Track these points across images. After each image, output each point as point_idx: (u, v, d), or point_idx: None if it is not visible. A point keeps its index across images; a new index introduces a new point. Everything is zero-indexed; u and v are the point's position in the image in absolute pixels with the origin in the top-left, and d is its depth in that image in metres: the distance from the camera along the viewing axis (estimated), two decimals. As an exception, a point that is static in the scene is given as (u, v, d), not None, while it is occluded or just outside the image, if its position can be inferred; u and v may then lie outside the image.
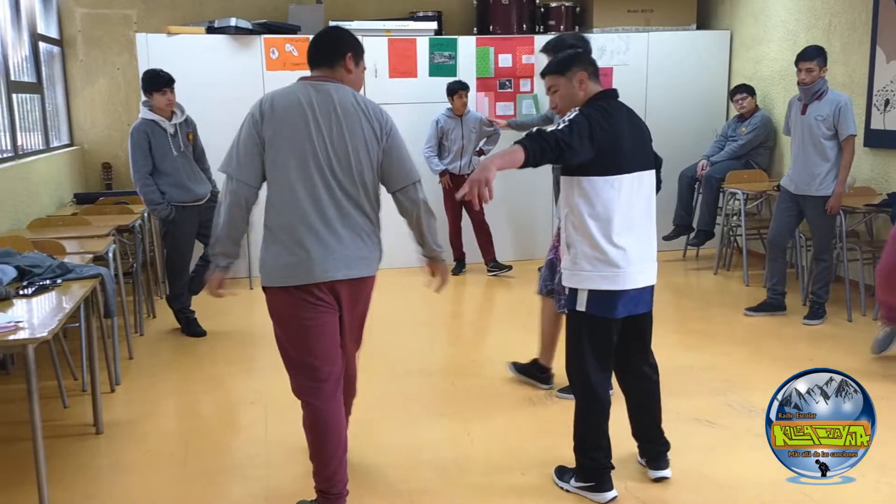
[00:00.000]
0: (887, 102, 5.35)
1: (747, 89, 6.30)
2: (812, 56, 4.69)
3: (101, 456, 3.30)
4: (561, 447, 3.10)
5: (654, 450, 2.98)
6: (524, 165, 2.49)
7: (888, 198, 4.94)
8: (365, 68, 2.82)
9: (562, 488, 2.90)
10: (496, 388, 3.97)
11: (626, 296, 2.69)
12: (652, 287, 2.81)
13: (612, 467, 2.85)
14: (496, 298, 5.94)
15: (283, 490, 2.93)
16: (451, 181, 6.07)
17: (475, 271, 6.38)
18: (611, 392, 2.85)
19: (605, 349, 2.77)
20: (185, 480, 3.04)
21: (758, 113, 6.29)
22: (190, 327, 4.88)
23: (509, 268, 6.32)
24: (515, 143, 2.53)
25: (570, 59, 2.76)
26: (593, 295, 2.68)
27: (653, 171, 2.78)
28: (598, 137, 2.56)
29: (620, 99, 2.76)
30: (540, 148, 2.48)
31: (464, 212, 6.26)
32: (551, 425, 3.48)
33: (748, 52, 6.81)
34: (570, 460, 2.92)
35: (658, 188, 2.87)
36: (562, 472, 2.94)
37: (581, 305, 2.70)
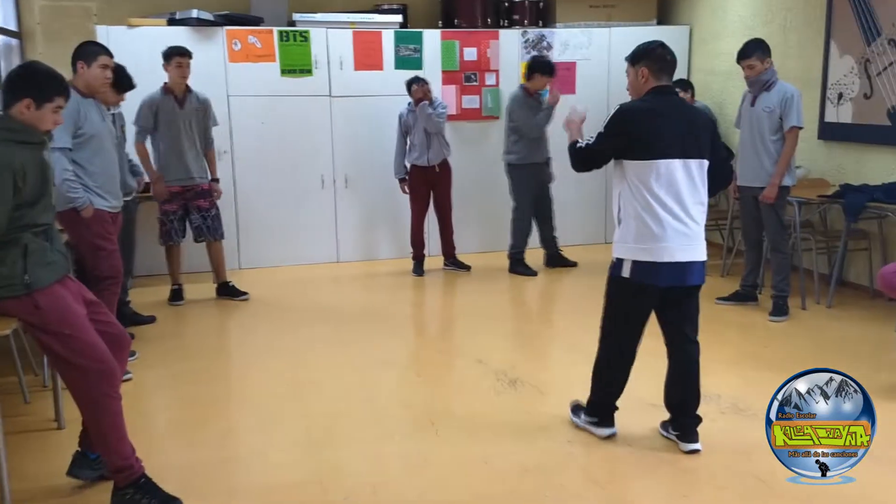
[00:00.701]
0: (840, 96, 5.50)
1: (681, 84, 6.21)
2: (750, 53, 4.69)
3: (64, 450, 3.25)
4: (524, 437, 3.15)
5: (686, 423, 3.16)
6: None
7: (841, 189, 5.08)
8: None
9: (574, 423, 3.35)
10: (461, 379, 4.02)
11: (665, 267, 2.95)
12: (696, 263, 3.02)
13: (617, 408, 3.26)
14: (458, 291, 5.97)
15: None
16: (420, 174, 6.04)
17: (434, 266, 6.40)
18: None
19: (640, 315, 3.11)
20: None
21: (695, 104, 6.29)
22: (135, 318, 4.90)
23: (468, 268, 6.26)
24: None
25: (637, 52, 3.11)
26: (636, 265, 2.98)
27: (699, 160, 3.00)
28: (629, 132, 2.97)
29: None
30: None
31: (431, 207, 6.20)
32: (515, 415, 3.54)
33: (707, 47, 6.93)
34: (536, 444, 2.97)
35: (726, 180, 3.28)
36: (576, 408, 3.38)
37: (626, 272, 3.01)
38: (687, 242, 2.98)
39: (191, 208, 5.27)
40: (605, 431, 3.24)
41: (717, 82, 6.79)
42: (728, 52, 6.62)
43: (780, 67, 6.01)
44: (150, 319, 4.97)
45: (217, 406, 3.79)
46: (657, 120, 2.95)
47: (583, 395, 3.37)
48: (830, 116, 5.59)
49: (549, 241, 6.28)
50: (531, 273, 6.08)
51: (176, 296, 5.38)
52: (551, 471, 3.01)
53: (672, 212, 2.95)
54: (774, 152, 4.72)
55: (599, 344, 3.24)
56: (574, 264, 6.29)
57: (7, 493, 2.72)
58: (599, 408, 3.27)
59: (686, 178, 2.97)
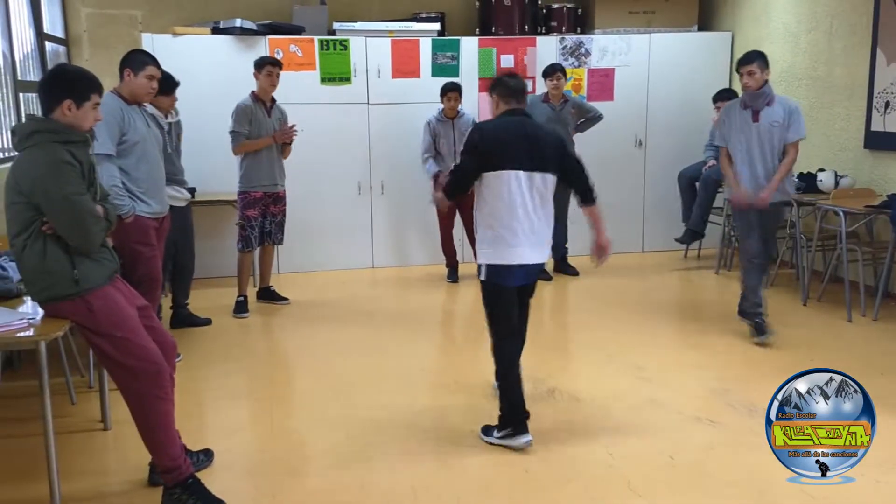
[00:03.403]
0: (887, 104, 5.39)
1: (728, 94, 6.18)
2: (752, 59, 4.48)
3: (110, 451, 3.35)
4: (564, 447, 3.12)
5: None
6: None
7: (888, 199, 4.97)
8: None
9: (487, 442, 3.31)
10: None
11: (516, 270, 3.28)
12: (534, 266, 3.33)
13: (528, 414, 3.29)
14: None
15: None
16: None
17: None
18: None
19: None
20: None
21: None
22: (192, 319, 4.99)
23: None
24: None
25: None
26: (490, 268, 3.30)
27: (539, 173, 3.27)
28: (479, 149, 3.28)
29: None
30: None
31: (458, 214, 6.21)
32: (553, 423, 3.52)
33: (749, 54, 6.83)
34: (576, 455, 2.94)
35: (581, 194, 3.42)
36: (486, 430, 3.36)
37: (482, 276, 3.34)
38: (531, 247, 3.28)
39: (267, 214, 5.35)
40: (522, 440, 3.23)
41: (758, 90, 6.69)
42: (772, 60, 6.47)
43: (826, 75, 5.96)
44: (207, 322, 5.05)
45: (258, 409, 3.83)
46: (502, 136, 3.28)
47: (619, 405, 3.34)
48: (877, 125, 5.49)
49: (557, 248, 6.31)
50: (572, 272, 6.26)
51: (241, 307, 5.32)
52: (593, 482, 2.98)
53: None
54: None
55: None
56: (576, 273, 6.30)
57: (58, 492, 2.77)
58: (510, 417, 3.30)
59: (527, 187, 3.25)
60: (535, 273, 3.41)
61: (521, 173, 3.24)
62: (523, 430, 3.25)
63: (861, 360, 4.23)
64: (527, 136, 3.28)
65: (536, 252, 3.31)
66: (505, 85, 3.41)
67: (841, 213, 5.00)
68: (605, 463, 3.12)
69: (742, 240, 4.80)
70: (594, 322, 5.17)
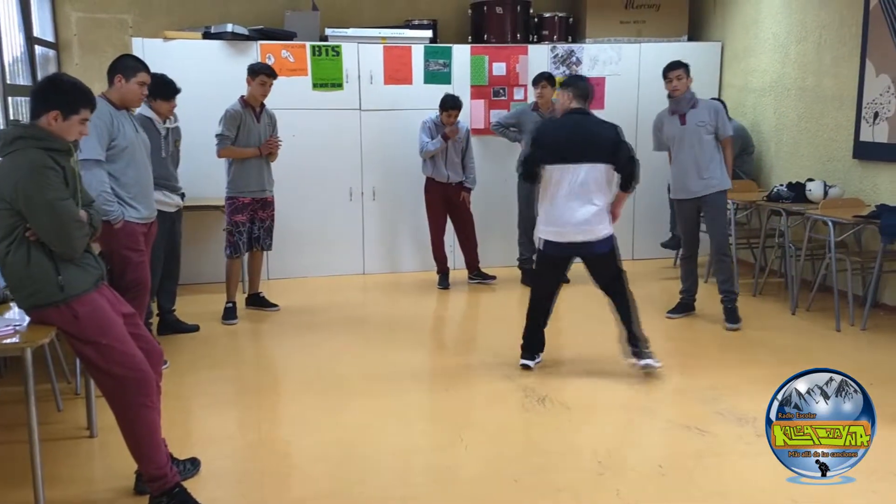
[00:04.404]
0: (876, 115, 5.43)
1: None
2: (679, 65, 5.02)
3: (95, 459, 3.31)
4: (555, 455, 3.11)
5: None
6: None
7: (877, 209, 5.00)
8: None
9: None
10: (490, 394, 4.00)
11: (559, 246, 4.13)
12: (581, 244, 4.09)
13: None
14: (483, 304, 5.96)
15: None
16: (437, 188, 6.06)
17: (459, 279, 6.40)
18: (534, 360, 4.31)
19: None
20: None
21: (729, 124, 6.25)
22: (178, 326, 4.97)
23: (493, 277, 6.30)
24: None
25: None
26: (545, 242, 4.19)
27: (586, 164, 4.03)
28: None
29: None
30: None
31: (448, 220, 6.22)
32: (544, 432, 3.51)
33: (739, 64, 6.89)
34: (566, 464, 2.93)
35: (627, 182, 4.17)
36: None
37: (539, 246, 4.26)
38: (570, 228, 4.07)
39: (255, 219, 5.33)
40: (521, 361, 4.28)
41: (749, 99, 6.74)
42: (761, 70, 6.60)
43: (815, 86, 6.00)
44: (194, 328, 5.02)
45: (246, 417, 3.80)
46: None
47: (610, 414, 3.33)
48: (866, 136, 5.52)
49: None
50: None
51: (230, 314, 5.28)
52: (583, 491, 2.97)
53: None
54: (715, 158, 5.03)
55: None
56: (566, 281, 6.24)
57: (42, 500, 2.74)
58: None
59: (567, 178, 4.03)
60: (583, 249, 4.11)
61: (571, 166, 4.00)
62: (526, 355, 4.30)
63: (850, 370, 4.16)
64: (581, 133, 4.06)
65: (580, 232, 4.04)
66: (580, 87, 4.18)
67: (830, 223, 5.02)
68: (595, 471, 3.12)
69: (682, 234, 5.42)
70: (584, 330, 5.17)
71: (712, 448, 3.33)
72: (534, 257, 6.26)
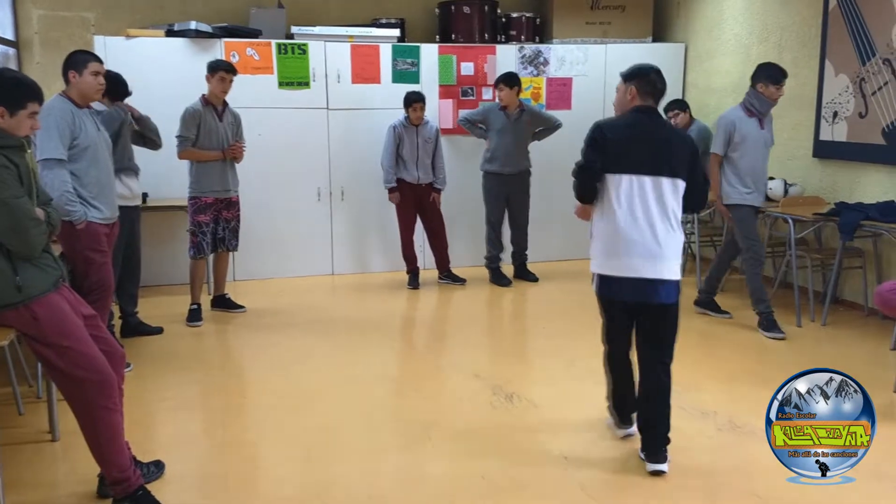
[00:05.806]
0: (835, 114, 5.54)
1: (679, 105, 6.33)
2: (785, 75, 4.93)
3: (58, 463, 3.26)
4: (521, 452, 3.13)
5: (651, 442, 3.14)
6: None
7: (836, 207, 5.11)
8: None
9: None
10: (458, 393, 4.02)
11: (620, 282, 3.07)
12: (657, 281, 3.03)
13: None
14: (453, 304, 5.97)
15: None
16: (408, 189, 6.06)
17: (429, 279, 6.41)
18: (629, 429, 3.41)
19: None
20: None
21: (693, 126, 6.32)
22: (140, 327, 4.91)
23: (464, 281, 6.30)
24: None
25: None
26: (601, 278, 3.16)
27: (671, 179, 3.05)
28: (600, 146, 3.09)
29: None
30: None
31: (418, 220, 6.23)
32: (511, 430, 3.53)
33: (702, 65, 6.99)
34: (533, 460, 2.95)
35: (694, 202, 3.16)
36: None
37: (594, 286, 3.21)
38: (641, 260, 3.02)
39: (219, 219, 5.27)
40: (621, 431, 3.42)
41: (712, 99, 6.84)
42: (723, 71, 6.70)
43: (776, 86, 6.08)
44: (158, 330, 4.96)
45: (211, 419, 3.77)
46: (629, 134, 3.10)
47: (577, 411, 3.37)
48: (825, 135, 5.64)
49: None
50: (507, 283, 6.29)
51: (195, 316, 5.22)
52: (549, 487, 3.00)
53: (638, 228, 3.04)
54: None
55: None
56: (535, 279, 6.38)
57: (1, 505, 2.70)
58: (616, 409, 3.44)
59: (641, 194, 3.03)
60: (654, 291, 3.03)
61: (646, 178, 3.02)
62: (626, 421, 3.39)
63: (812, 365, 4.30)
64: (655, 137, 3.08)
65: (651, 265, 3.01)
66: (649, 80, 3.13)
67: (790, 221, 5.12)
68: (561, 467, 3.15)
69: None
70: (553, 328, 5.20)
71: (676, 443, 3.35)
72: (500, 255, 6.37)
